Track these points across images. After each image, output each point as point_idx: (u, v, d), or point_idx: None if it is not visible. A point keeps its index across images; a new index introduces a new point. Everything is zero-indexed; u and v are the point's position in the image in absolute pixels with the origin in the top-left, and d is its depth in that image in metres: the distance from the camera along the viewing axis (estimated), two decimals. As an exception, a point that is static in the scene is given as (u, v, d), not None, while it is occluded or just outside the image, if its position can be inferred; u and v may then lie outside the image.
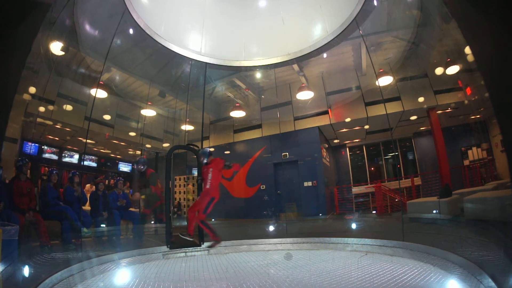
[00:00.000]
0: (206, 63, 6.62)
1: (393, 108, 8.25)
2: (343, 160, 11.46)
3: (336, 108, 9.41)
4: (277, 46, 6.58)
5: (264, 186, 10.04)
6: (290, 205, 9.58)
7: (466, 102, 7.43)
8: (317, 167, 9.40)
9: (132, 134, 9.22)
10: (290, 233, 6.48)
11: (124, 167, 9.93)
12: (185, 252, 4.97)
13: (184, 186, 6.70)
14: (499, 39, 2.39)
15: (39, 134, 6.48)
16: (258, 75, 8.84)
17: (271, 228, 7.38)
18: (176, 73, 8.24)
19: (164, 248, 4.97)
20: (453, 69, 6.86)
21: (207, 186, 4.85)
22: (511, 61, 2.31)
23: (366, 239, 4.84)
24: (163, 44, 6.07)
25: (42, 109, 6.06)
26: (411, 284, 2.83)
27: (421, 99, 8.18)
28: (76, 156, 8.13)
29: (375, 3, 5.58)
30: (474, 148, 8.67)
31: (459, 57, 6.23)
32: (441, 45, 6.86)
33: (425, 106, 8.20)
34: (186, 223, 5.88)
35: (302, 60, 7.18)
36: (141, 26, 5.64)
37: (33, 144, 6.33)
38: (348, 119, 9.39)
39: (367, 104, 8.77)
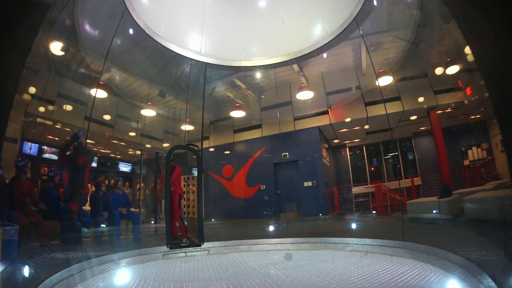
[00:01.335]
0: (206, 63, 6.62)
1: (393, 108, 8.25)
2: (343, 160, 11.46)
3: (336, 108, 9.41)
4: (277, 46, 6.57)
5: (264, 186, 10.05)
6: (290, 205, 9.58)
7: (466, 102, 7.43)
8: (317, 167, 9.40)
9: (132, 134, 9.21)
10: (290, 233, 6.48)
11: (124, 167, 9.94)
12: (185, 252, 4.98)
13: (184, 186, 6.71)
14: (499, 39, 2.39)
15: (39, 134, 6.47)
16: (258, 75, 8.83)
17: (271, 228, 7.38)
18: (176, 73, 8.24)
19: (164, 248, 4.98)
20: (453, 69, 6.85)
21: (172, 189, 5.55)
22: (511, 61, 2.30)
23: (366, 239, 4.84)
24: (163, 44, 6.07)
25: (42, 109, 6.05)
26: (411, 284, 2.83)
27: (421, 99, 8.18)
28: (76, 156, 8.11)
29: (375, 3, 5.58)
30: (474, 148, 8.67)
31: (459, 57, 6.22)
32: (441, 45, 6.86)
33: (425, 106, 8.20)
34: (184, 223, 5.99)
35: (302, 60, 7.18)
36: (141, 26, 5.64)
37: (33, 144, 6.33)
38: (348, 119, 9.39)
39: (367, 104, 8.77)
